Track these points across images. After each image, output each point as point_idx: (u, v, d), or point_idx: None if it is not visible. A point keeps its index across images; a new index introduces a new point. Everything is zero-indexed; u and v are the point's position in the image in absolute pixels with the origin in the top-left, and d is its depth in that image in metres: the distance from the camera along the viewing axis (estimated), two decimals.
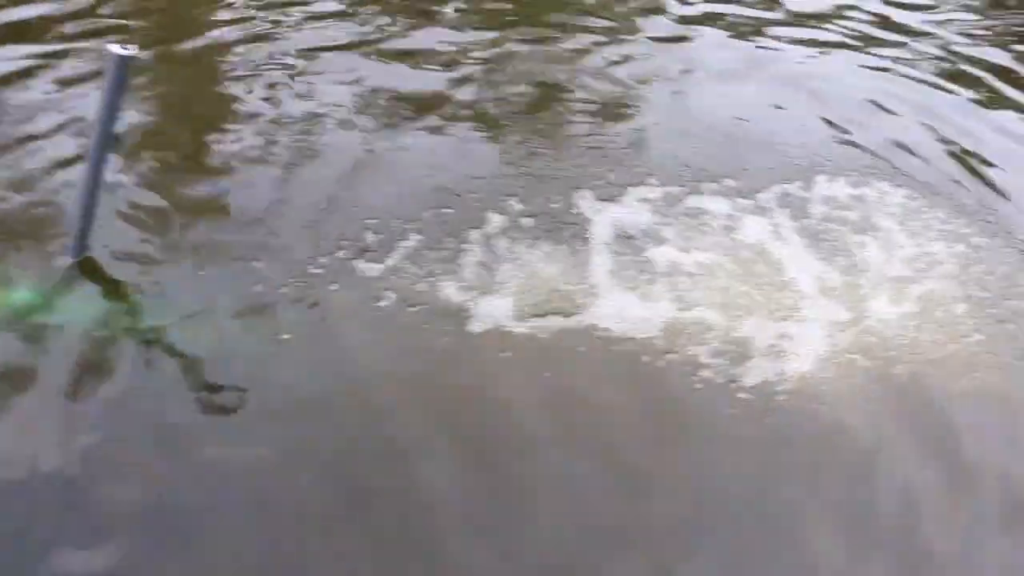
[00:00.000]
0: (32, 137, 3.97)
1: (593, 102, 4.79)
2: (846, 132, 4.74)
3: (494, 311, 3.33)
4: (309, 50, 4.93)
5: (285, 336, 3.15)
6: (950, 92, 5.34)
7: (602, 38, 5.49)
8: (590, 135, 4.49)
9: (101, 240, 3.35)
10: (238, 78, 4.63)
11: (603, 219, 3.83)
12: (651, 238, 3.76)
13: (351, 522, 2.64)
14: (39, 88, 4.34)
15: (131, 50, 2.74)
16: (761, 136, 4.61)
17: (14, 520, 2.52)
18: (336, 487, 2.74)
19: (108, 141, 2.99)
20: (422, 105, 4.57)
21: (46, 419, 2.79)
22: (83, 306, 3.21)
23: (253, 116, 4.34)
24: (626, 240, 3.74)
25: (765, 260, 3.72)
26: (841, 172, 4.34)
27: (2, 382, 2.87)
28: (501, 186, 3.98)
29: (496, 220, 3.75)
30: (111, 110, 2.90)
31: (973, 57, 5.81)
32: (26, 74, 4.43)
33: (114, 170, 3.62)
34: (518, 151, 4.28)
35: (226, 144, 4.13)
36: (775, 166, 4.34)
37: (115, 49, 2.72)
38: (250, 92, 4.51)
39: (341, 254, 3.50)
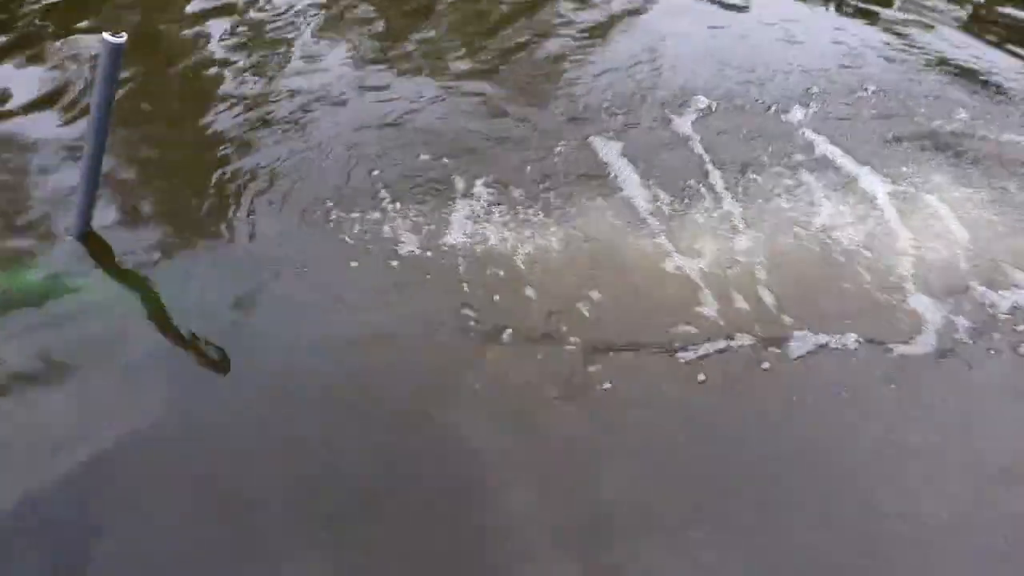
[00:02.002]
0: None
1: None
2: None
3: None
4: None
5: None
6: None
7: None
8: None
9: (102, 217, 3.57)
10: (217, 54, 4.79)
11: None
12: None
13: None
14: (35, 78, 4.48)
15: (122, 38, 2.93)
16: None
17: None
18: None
19: (105, 123, 3.18)
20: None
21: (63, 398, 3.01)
22: (90, 283, 3.41)
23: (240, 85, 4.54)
24: None
25: None
26: None
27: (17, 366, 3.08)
28: None
29: None
30: (106, 93, 3.09)
31: None
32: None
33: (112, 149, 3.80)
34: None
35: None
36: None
37: (107, 37, 2.90)
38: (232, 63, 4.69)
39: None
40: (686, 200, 3.99)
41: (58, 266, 3.41)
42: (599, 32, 5.24)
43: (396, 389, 3.14)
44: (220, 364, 3.17)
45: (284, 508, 2.76)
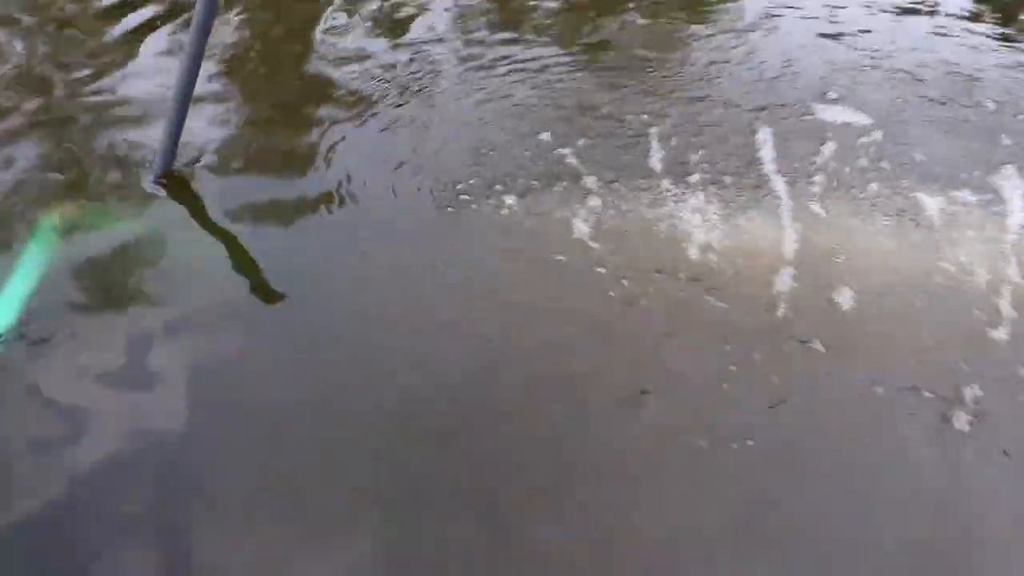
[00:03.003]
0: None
1: None
2: None
3: None
4: None
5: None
6: None
7: None
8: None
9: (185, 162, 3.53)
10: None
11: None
12: None
13: None
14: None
15: None
16: None
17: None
18: None
19: (195, 70, 3.13)
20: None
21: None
22: (163, 228, 3.35)
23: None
24: None
25: None
26: None
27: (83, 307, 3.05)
28: None
29: None
30: (199, 41, 3.03)
31: None
32: None
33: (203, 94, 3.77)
34: None
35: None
36: None
37: None
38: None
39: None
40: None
41: (135, 209, 3.38)
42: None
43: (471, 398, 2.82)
44: (288, 318, 3.02)
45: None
